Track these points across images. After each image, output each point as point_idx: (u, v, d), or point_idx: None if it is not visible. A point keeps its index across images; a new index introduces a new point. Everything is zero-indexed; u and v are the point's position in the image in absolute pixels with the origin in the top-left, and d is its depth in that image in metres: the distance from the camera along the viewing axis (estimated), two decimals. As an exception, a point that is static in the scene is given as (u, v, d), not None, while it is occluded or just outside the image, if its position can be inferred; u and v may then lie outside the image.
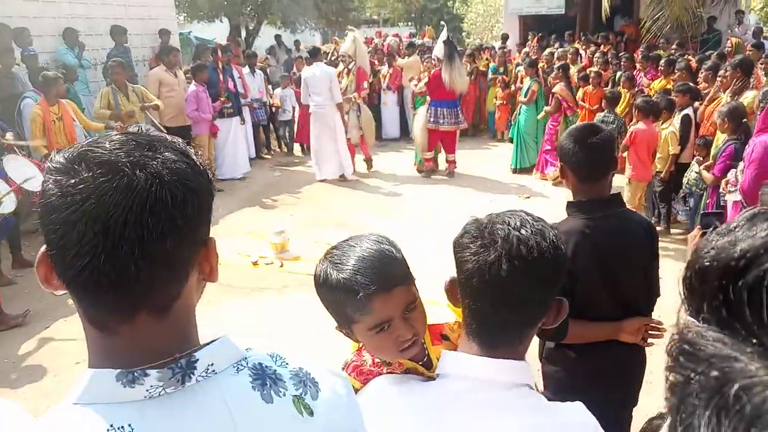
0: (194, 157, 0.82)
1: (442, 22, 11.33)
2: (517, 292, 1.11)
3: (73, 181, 0.72)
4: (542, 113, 8.85)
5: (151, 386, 0.76)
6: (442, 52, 8.66)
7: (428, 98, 8.92)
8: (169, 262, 0.77)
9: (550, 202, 7.47)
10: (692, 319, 0.36)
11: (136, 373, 0.75)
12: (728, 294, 0.34)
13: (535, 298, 1.15)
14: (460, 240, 1.18)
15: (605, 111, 7.60)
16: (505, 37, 13.78)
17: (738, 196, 4.14)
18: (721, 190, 5.01)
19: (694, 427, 0.32)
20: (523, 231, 1.12)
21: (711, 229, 0.46)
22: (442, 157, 9.31)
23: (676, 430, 0.34)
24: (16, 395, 3.88)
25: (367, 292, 1.19)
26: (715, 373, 0.31)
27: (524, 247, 1.10)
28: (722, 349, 0.32)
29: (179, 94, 8.34)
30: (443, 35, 9.00)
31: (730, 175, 4.71)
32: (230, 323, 4.79)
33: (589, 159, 2.12)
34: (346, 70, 9.07)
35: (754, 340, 0.30)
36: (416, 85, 9.31)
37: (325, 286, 1.27)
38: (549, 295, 1.17)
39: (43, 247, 0.77)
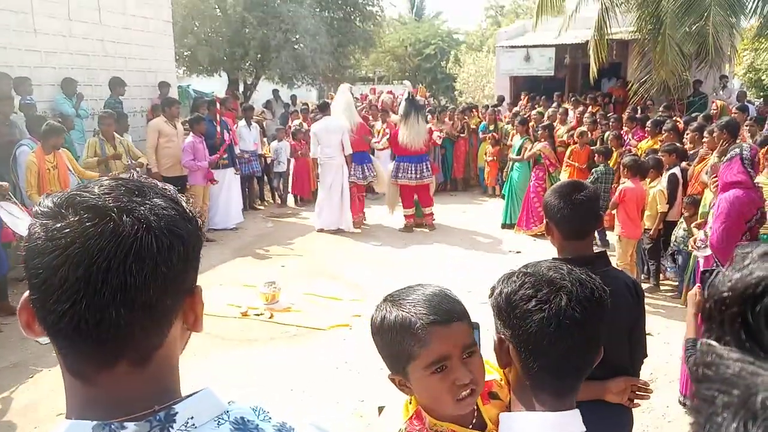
0: (184, 204, 0.81)
1: (405, 81, 11.57)
2: (588, 334, 1.14)
3: (59, 225, 0.71)
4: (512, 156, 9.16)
5: None
6: (402, 109, 8.88)
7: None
8: (152, 310, 0.75)
9: (539, 257, 7.48)
10: (714, 343, 0.38)
11: (113, 426, 0.73)
12: (747, 318, 0.36)
13: (597, 341, 1.18)
14: (518, 293, 1.17)
15: (602, 165, 7.77)
16: (501, 99, 14.13)
17: (708, 251, 4.22)
18: (689, 247, 5.09)
19: None
20: (576, 274, 1.18)
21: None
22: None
23: None
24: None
25: (426, 322, 1.16)
26: (738, 390, 0.33)
27: (587, 289, 1.15)
28: (744, 367, 0.34)
29: (177, 145, 8.44)
30: (405, 93, 9.15)
31: (699, 233, 4.81)
32: (218, 374, 4.71)
33: (574, 216, 2.13)
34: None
35: None
36: (378, 142, 9.49)
37: (383, 326, 1.23)
38: (600, 338, 1.20)
39: (26, 293, 0.75)
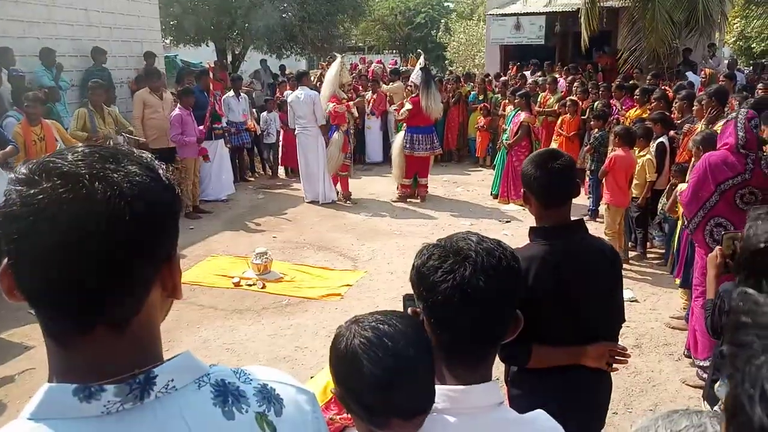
0: (160, 171, 0.81)
1: (419, 50, 11.48)
2: (493, 305, 1.14)
3: (32, 191, 0.72)
4: (501, 143, 8.99)
5: (108, 401, 0.74)
6: (419, 79, 8.79)
7: (404, 125, 9.06)
8: (127, 276, 0.75)
9: (528, 225, 7.55)
10: (751, 291, 0.39)
11: (92, 389, 0.74)
12: None
13: (506, 312, 1.18)
14: (426, 264, 1.17)
15: (599, 129, 7.76)
16: (498, 76, 13.44)
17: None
18: (666, 210, 5.13)
19: (762, 377, 0.35)
20: (485, 244, 1.17)
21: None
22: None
23: (739, 388, 0.37)
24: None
25: (386, 413, 1.11)
26: None
27: (494, 258, 1.15)
28: None
29: (162, 116, 8.31)
30: (420, 62, 9.12)
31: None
32: (210, 344, 4.78)
33: (551, 184, 2.14)
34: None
35: None
36: (398, 111, 9.40)
37: (346, 360, 1.13)
38: (514, 308, 1.21)
39: (5, 259, 0.75)
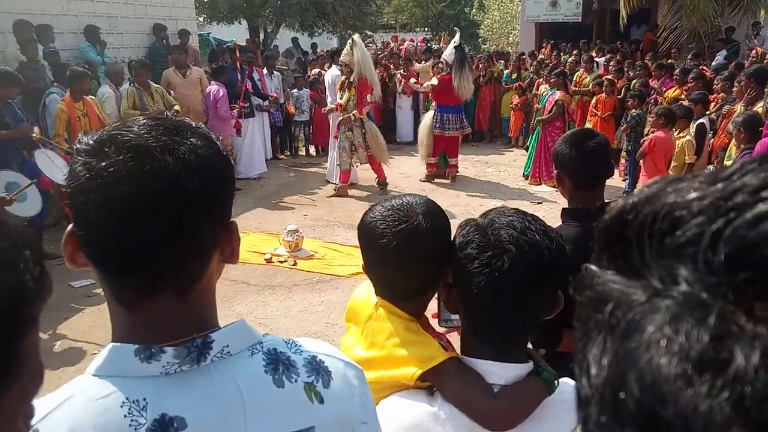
0: (218, 143, 0.84)
1: (455, 28, 11.29)
2: (531, 296, 1.12)
3: (103, 164, 0.74)
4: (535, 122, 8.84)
5: (168, 363, 0.78)
6: (452, 57, 8.59)
7: (433, 103, 8.93)
8: (195, 244, 0.79)
9: (560, 206, 7.47)
10: (593, 268, 0.39)
11: (153, 350, 0.77)
12: (622, 243, 0.37)
13: (546, 298, 1.16)
14: (464, 251, 1.15)
15: (636, 109, 7.60)
16: (532, 54, 13.14)
17: None
18: None
19: (589, 352, 0.36)
20: (529, 234, 1.12)
21: None
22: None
23: (580, 363, 0.37)
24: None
25: None
26: (609, 306, 0.35)
27: (536, 252, 1.10)
28: (614, 287, 0.36)
29: (184, 96, 8.40)
30: (455, 40, 8.93)
31: None
32: (244, 318, 4.86)
33: (586, 164, 2.11)
34: (347, 82, 7.91)
35: (642, 280, 0.34)
36: (420, 83, 9.26)
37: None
38: (555, 293, 1.18)
39: (70, 226, 0.78)
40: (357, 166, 8.61)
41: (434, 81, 8.76)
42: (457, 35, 9.20)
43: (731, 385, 0.29)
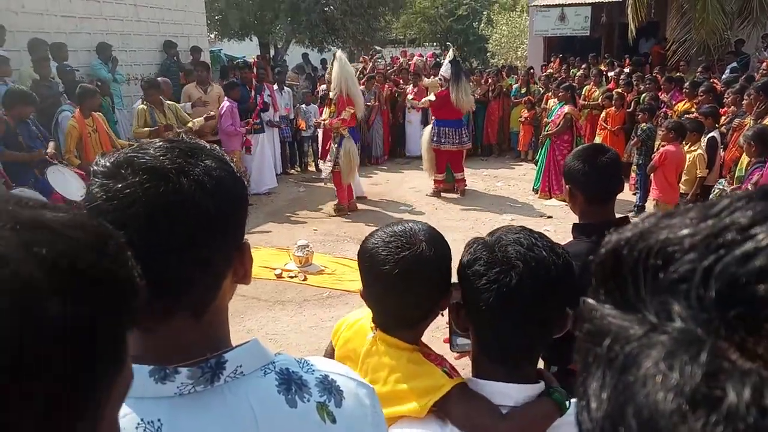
0: (232, 165, 0.85)
1: (448, 43, 11.31)
2: (539, 311, 1.12)
3: (119, 185, 0.75)
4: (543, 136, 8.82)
5: (182, 383, 0.78)
6: (448, 72, 8.61)
7: (432, 118, 8.95)
8: (210, 266, 0.80)
9: (570, 221, 7.44)
10: (591, 302, 0.40)
11: (168, 370, 0.78)
12: (618, 277, 0.38)
13: (554, 315, 1.16)
14: (471, 267, 1.15)
15: (646, 123, 7.59)
16: (550, 76, 13.15)
17: None
18: None
19: (589, 386, 0.36)
20: (536, 250, 1.12)
21: None
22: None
23: (581, 397, 0.38)
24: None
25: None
26: (607, 340, 0.36)
27: (543, 268, 1.10)
28: (612, 321, 0.36)
29: (205, 111, 8.43)
30: (450, 54, 8.93)
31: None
32: (253, 334, 4.87)
33: (598, 179, 2.11)
34: (328, 99, 7.96)
35: (638, 314, 0.35)
36: (417, 99, 9.26)
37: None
38: (563, 309, 1.18)
39: None
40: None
41: (431, 97, 8.83)
42: (452, 50, 9.15)
43: (724, 421, 0.29)
